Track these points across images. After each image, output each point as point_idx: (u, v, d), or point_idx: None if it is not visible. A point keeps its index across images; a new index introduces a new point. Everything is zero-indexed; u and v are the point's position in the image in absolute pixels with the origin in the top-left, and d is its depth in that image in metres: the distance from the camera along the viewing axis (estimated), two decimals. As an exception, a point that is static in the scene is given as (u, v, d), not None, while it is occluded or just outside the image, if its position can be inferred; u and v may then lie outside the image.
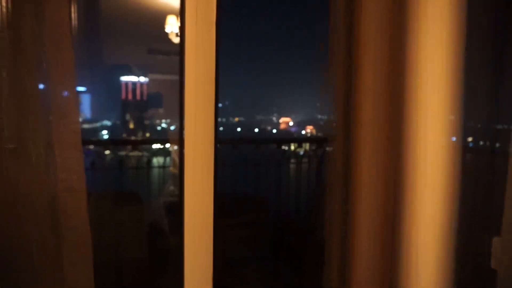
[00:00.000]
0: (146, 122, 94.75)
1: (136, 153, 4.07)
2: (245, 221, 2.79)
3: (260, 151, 4.35)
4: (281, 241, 2.99)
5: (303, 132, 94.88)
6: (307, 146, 5.09)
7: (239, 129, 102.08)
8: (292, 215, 4.31)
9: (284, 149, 4.53)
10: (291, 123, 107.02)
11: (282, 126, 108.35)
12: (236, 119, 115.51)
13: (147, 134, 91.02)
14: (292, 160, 4.64)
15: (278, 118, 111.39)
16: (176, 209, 2.96)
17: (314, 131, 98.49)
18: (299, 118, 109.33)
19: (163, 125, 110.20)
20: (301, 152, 4.88)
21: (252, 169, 4.32)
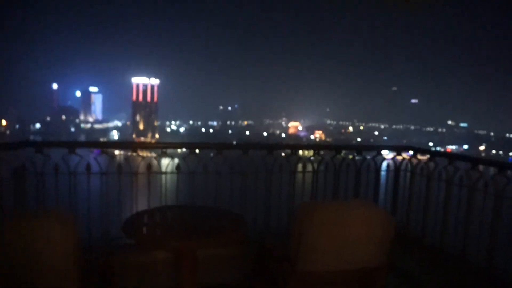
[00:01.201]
0: (156, 123, 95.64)
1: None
2: (222, 241, 2.27)
3: (249, 158, 3.77)
4: (262, 266, 2.49)
5: (312, 137, 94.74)
6: (307, 152, 4.37)
7: (247, 133, 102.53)
8: (282, 233, 3.78)
9: (276, 156, 3.91)
10: (300, 128, 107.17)
11: (291, 131, 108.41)
12: (245, 122, 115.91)
13: (157, 135, 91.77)
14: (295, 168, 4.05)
15: (287, 123, 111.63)
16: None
17: (323, 136, 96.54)
18: (307, 123, 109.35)
19: (173, 126, 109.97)
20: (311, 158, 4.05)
21: (239, 178, 3.75)
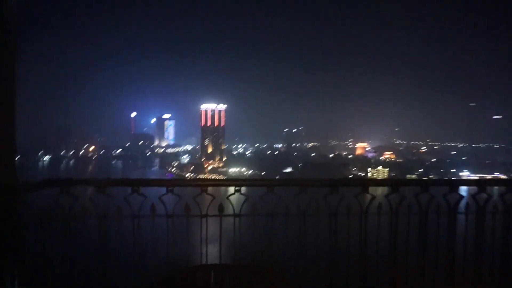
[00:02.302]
0: (223, 147, 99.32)
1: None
2: None
3: (307, 196, 3.03)
4: None
5: (381, 158, 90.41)
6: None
7: (312, 154, 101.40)
8: None
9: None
10: (368, 148, 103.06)
11: (358, 152, 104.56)
12: (310, 144, 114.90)
13: (224, 158, 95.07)
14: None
15: (354, 143, 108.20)
16: None
17: (393, 157, 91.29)
18: (376, 143, 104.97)
19: (240, 149, 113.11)
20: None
21: (294, 221, 3.06)
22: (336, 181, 3.18)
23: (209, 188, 3.07)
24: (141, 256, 3.06)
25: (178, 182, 3.26)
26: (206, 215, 3.04)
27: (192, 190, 3.13)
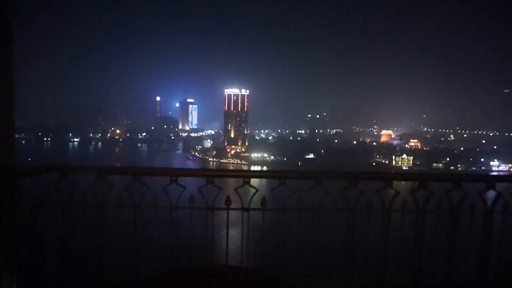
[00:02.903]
0: (246, 132, 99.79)
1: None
2: None
3: (323, 190, 2.75)
4: None
5: (407, 146, 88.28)
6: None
7: (336, 141, 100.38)
8: None
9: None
10: (393, 136, 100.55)
11: (383, 139, 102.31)
12: (334, 131, 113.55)
13: (247, 143, 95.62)
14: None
15: (378, 130, 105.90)
16: None
17: (418, 144, 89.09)
18: (401, 131, 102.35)
19: (262, 135, 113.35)
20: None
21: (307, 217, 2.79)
22: (356, 174, 2.85)
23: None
24: (138, 249, 2.91)
25: (183, 172, 2.91)
26: (212, 208, 2.80)
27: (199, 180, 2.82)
